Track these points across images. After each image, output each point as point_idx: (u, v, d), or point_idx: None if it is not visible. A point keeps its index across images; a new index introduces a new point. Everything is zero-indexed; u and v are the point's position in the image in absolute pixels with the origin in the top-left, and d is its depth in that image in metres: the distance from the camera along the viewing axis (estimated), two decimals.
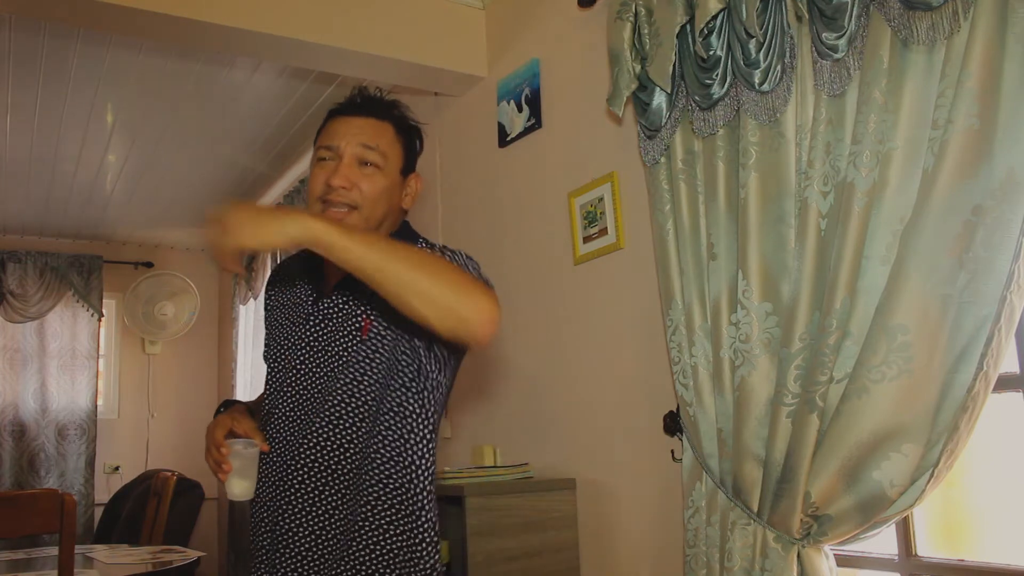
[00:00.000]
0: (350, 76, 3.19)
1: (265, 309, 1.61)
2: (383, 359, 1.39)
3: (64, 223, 5.27)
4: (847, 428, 1.55)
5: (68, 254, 5.46)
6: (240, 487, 1.38)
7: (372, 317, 1.40)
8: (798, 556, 1.67)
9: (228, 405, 1.52)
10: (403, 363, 1.39)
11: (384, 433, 1.40)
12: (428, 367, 1.40)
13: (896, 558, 1.74)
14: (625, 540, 2.27)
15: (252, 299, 5.15)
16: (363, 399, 1.39)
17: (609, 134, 2.40)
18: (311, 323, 1.45)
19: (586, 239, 2.46)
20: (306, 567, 1.36)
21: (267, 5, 2.62)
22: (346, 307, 1.43)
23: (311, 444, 1.40)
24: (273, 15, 2.63)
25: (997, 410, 1.58)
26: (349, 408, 1.39)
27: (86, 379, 5.41)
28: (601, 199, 2.40)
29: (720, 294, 1.83)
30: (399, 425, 1.41)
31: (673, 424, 2.01)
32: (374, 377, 1.39)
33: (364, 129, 1.43)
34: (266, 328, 1.60)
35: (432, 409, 1.43)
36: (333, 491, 1.38)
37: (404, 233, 1.53)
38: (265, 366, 1.62)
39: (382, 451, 1.39)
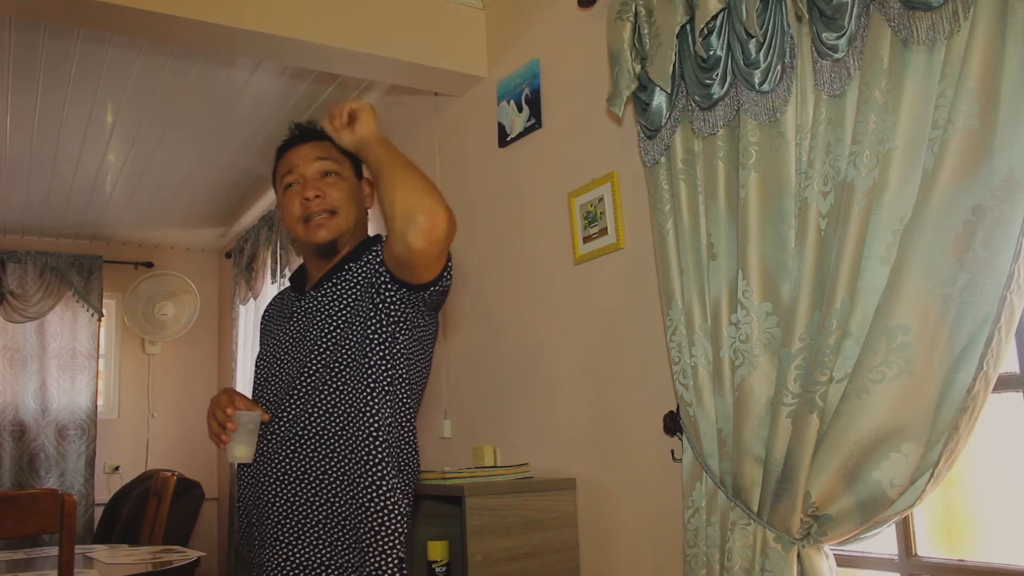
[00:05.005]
0: (350, 76, 3.19)
1: (261, 334, 1.80)
2: (355, 338, 1.55)
3: (64, 223, 5.26)
4: (847, 428, 1.54)
5: (68, 254, 5.46)
6: (241, 450, 1.54)
7: (347, 310, 1.57)
8: (798, 556, 1.67)
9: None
10: (373, 338, 1.55)
11: (352, 404, 1.53)
12: (398, 335, 1.57)
13: (896, 558, 1.74)
14: (625, 540, 2.27)
15: (252, 299, 5.14)
16: (334, 371, 1.54)
17: (609, 134, 2.40)
18: (295, 319, 1.64)
19: (586, 239, 2.46)
20: (285, 536, 1.52)
21: (267, 5, 2.62)
22: (325, 300, 1.60)
23: (288, 417, 1.55)
24: (273, 15, 2.63)
25: (997, 410, 1.58)
26: (321, 380, 1.54)
27: (86, 379, 5.40)
28: (601, 199, 2.40)
29: (720, 294, 1.83)
30: (366, 396, 1.54)
31: (673, 424, 2.01)
32: (347, 352, 1.55)
33: (314, 149, 1.68)
34: (260, 347, 1.78)
35: (398, 372, 1.57)
36: (304, 457, 1.53)
37: (372, 240, 1.71)
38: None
39: (348, 422, 1.53)
